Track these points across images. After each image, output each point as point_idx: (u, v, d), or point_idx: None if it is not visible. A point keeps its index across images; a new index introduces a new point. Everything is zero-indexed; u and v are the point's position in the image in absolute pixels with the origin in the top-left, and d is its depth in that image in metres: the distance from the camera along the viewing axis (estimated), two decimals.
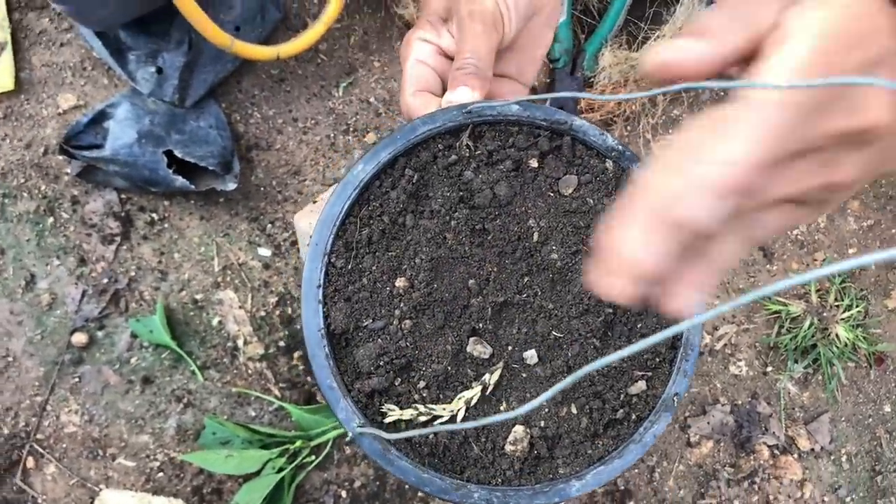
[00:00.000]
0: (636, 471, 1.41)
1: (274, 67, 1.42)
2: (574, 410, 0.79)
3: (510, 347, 0.79)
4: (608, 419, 0.78)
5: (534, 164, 0.80)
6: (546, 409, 0.79)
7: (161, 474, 1.31)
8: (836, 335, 1.46)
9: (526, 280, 0.79)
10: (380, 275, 0.78)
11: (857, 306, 1.48)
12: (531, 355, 0.79)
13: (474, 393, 0.78)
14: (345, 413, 0.76)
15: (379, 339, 0.78)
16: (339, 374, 0.78)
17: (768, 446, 1.45)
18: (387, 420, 0.77)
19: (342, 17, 1.44)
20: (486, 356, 0.78)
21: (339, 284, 0.79)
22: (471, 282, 0.78)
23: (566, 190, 0.80)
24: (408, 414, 0.77)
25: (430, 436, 0.77)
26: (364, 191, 0.80)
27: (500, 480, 0.78)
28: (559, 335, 0.79)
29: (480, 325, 0.78)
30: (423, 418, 0.77)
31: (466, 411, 0.78)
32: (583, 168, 0.80)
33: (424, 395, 0.78)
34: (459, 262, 0.78)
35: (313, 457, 1.32)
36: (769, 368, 1.48)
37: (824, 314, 1.47)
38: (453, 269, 0.79)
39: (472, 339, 0.78)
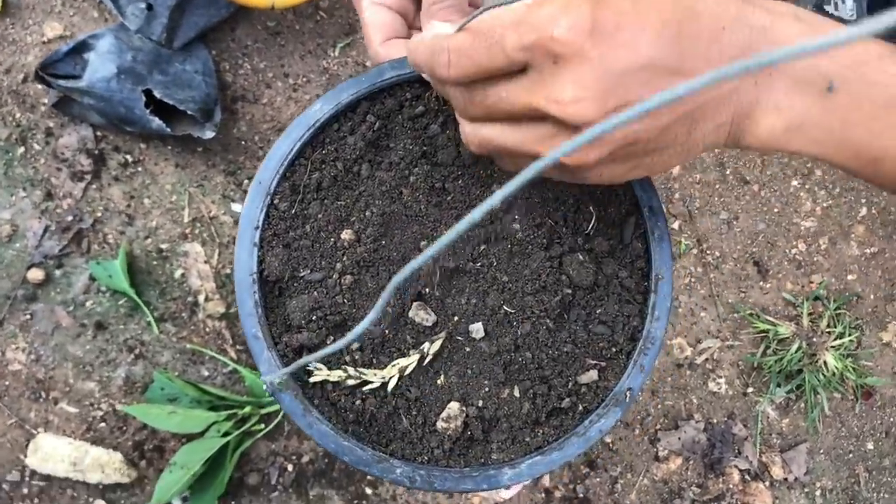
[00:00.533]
0: (598, 479, 1.35)
1: (270, 19, 1.36)
2: (517, 393, 0.73)
3: (456, 318, 0.73)
4: (552, 407, 0.72)
5: None
6: (487, 389, 0.73)
7: (103, 424, 1.26)
8: (825, 363, 1.39)
9: (482, 248, 0.73)
10: (325, 224, 0.73)
11: (849, 335, 1.41)
12: (478, 329, 0.73)
13: (410, 361, 0.72)
14: (267, 365, 0.71)
15: (315, 292, 0.72)
16: (266, 323, 0.72)
17: (739, 470, 1.39)
18: (312, 379, 0.71)
19: None
20: (429, 324, 0.72)
21: (279, 229, 0.73)
22: (423, 243, 0.73)
23: None
24: (335, 375, 0.71)
25: (358, 403, 0.72)
26: (319, 132, 0.74)
27: (426, 458, 0.72)
28: (510, 310, 0.73)
29: (427, 290, 0.72)
30: (351, 382, 0.71)
31: (400, 380, 0.72)
32: None
33: (357, 357, 0.72)
34: (413, 221, 0.73)
35: (262, 425, 1.26)
36: (750, 389, 1.42)
37: (814, 339, 1.40)
38: (406, 227, 0.73)
39: (415, 304, 0.72)
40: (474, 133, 0.55)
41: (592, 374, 0.73)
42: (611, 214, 0.74)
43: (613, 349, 0.73)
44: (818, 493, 1.42)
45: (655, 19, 0.41)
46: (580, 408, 0.73)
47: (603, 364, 0.73)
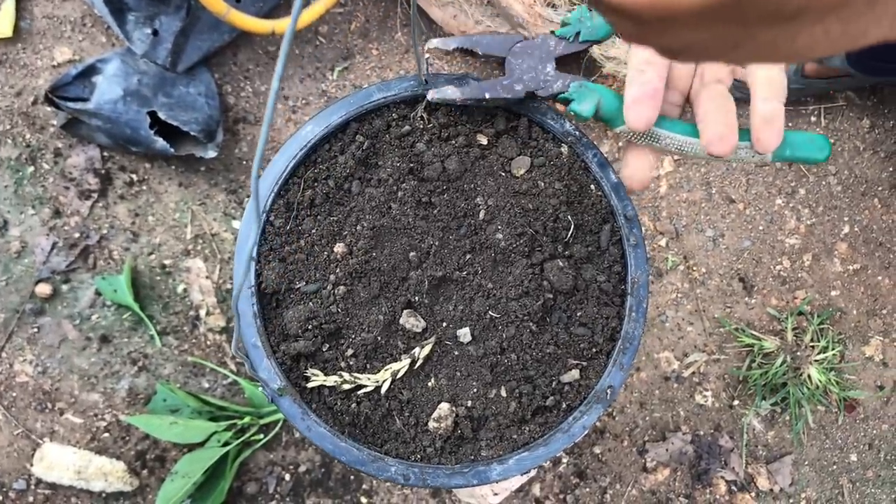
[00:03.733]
0: (587, 489, 1.38)
1: (271, 44, 1.42)
2: (503, 393, 0.77)
3: (445, 323, 0.77)
4: (537, 405, 0.76)
5: (487, 142, 0.79)
6: (475, 390, 0.77)
7: (107, 434, 1.30)
8: (808, 376, 1.43)
9: (468, 257, 0.77)
10: (318, 238, 0.77)
11: (833, 349, 1.45)
12: (465, 333, 0.77)
13: (402, 366, 0.76)
14: (267, 373, 0.75)
15: (310, 303, 0.76)
16: (265, 333, 0.76)
17: (726, 481, 1.42)
18: (310, 385, 0.75)
19: (345, 2, 1.44)
20: (419, 330, 0.77)
21: (275, 244, 0.77)
22: (411, 254, 0.77)
23: (518, 171, 0.79)
24: (331, 380, 0.76)
25: (353, 406, 0.76)
26: (311, 152, 0.79)
27: (419, 457, 0.76)
28: (496, 315, 0.77)
29: (416, 298, 0.77)
30: (346, 386, 0.75)
31: (392, 383, 0.76)
32: (537, 150, 0.79)
33: (351, 363, 0.76)
34: (402, 234, 0.77)
35: (261, 436, 1.30)
36: (736, 402, 1.45)
37: (798, 353, 1.44)
38: (395, 239, 0.77)
39: (405, 312, 0.76)
40: None
41: (574, 374, 0.77)
42: (588, 222, 0.79)
43: (594, 349, 0.78)
44: (802, 503, 1.46)
45: None
46: (564, 405, 0.77)
47: (584, 363, 0.77)
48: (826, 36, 0.29)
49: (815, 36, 0.29)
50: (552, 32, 0.70)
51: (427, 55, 0.68)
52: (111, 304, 1.32)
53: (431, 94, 0.74)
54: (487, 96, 0.73)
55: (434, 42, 0.73)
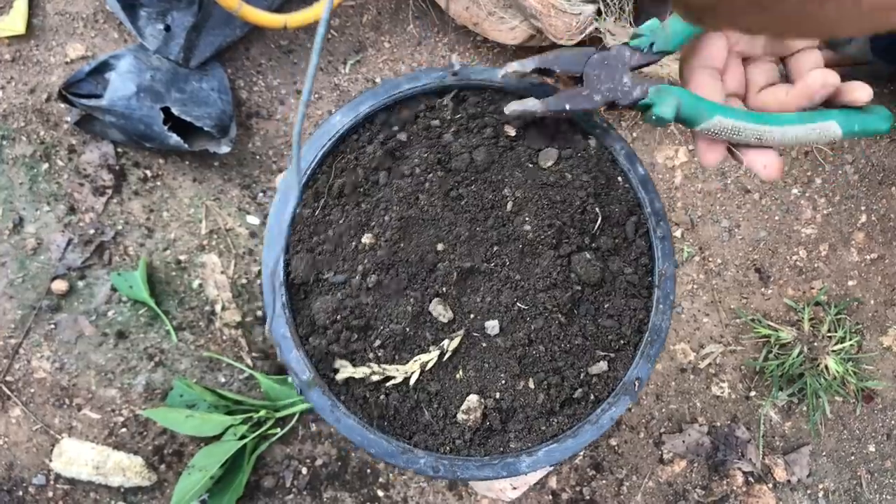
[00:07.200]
0: (604, 481, 1.38)
1: (283, 38, 1.41)
2: (532, 385, 0.77)
3: (472, 315, 0.77)
4: (566, 397, 0.76)
5: (515, 133, 0.79)
6: (503, 381, 0.77)
7: (124, 430, 1.29)
8: (826, 367, 1.43)
9: (495, 249, 0.77)
10: (346, 228, 0.77)
11: (850, 340, 1.45)
12: (493, 325, 0.77)
13: (431, 357, 0.76)
14: (296, 364, 0.75)
15: (338, 294, 0.76)
16: (294, 324, 0.76)
17: (743, 472, 1.42)
18: (339, 376, 0.75)
19: None
20: (447, 320, 0.76)
21: (303, 234, 0.77)
22: (439, 245, 0.77)
23: (545, 162, 0.78)
24: (360, 372, 0.75)
25: (382, 398, 0.76)
26: (340, 142, 0.78)
27: (448, 449, 0.76)
28: (524, 307, 0.77)
29: (444, 289, 0.76)
30: (375, 378, 0.75)
31: (421, 375, 0.76)
32: (565, 142, 0.79)
33: (379, 354, 0.76)
34: (430, 225, 0.77)
35: (278, 429, 1.30)
36: (752, 393, 1.45)
37: (815, 344, 1.44)
38: (423, 230, 0.77)
39: (434, 300, 0.76)
40: None
41: (602, 365, 0.77)
42: (615, 214, 0.79)
43: (621, 341, 0.77)
44: (821, 494, 1.45)
45: None
46: (592, 397, 0.77)
47: (612, 355, 0.77)
48: (856, 7, 0.28)
49: (843, 6, 0.28)
50: (626, 43, 0.70)
51: (457, 57, 0.68)
52: (127, 300, 1.32)
53: (510, 108, 0.72)
54: (568, 107, 0.70)
55: (513, 65, 0.72)
